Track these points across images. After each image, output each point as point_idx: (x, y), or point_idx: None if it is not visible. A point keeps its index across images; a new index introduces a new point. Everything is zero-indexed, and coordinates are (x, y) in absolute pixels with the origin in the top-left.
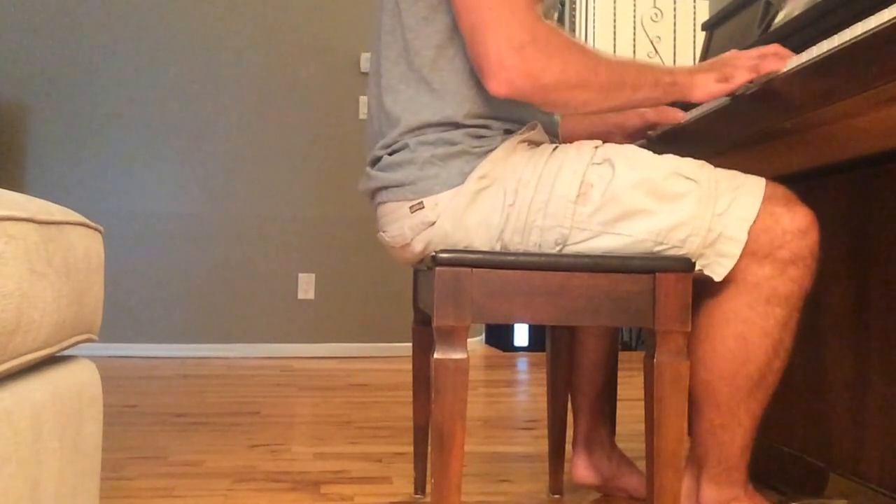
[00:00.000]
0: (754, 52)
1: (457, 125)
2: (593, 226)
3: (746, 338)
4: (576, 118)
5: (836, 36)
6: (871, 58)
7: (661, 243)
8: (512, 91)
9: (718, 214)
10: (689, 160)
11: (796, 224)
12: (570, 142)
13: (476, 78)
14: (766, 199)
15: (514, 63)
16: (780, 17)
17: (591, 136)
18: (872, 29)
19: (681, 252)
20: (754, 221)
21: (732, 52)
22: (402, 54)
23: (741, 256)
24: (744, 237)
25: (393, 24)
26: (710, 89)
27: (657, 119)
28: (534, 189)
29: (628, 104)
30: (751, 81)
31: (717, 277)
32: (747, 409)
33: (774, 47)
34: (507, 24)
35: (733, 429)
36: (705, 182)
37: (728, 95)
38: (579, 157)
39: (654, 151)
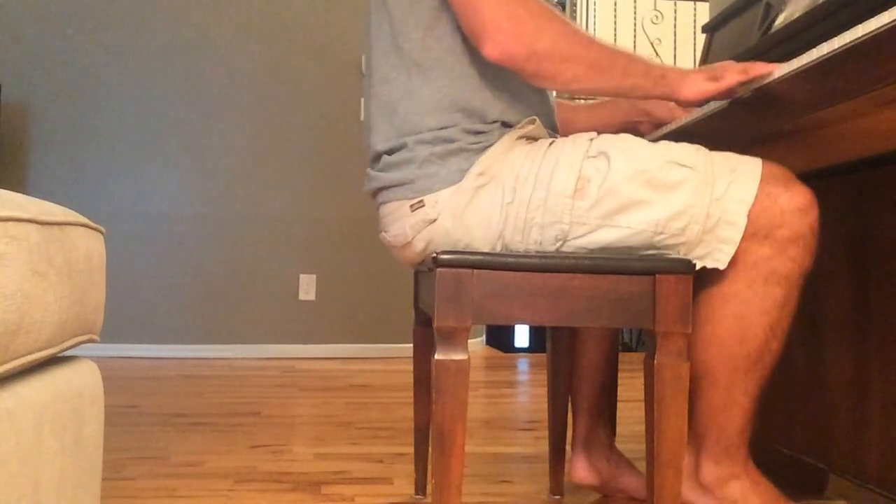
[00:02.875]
0: (743, 63)
1: (455, 106)
2: (592, 220)
3: (744, 317)
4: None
5: (836, 38)
6: (872, 60)
7: (661, 233)
8: (505, 55)
9: (716, 199)
10: (684, 145)
11: (795, 203)
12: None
13: (468, 54)
14: (764, 179)
15: (509, 27)
16: (781, 20)
17: (608, 126)
18: (872, 31)
19: (681, 240)
20: (753, 203)
21: (724, 62)
22: (391, 43)
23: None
24: (743, 221)
25: (380, 19)
26: (699, 87)
27: (669, 117)
28: (532, 186)
29: (617, 89)
30: (741, 84)
31: (721, 265)
32: (745, 389)
33: (761, 65)
34: None
35: (731, 408)
36: (701, 167)
37: (718, 98)
38: (575, 151)
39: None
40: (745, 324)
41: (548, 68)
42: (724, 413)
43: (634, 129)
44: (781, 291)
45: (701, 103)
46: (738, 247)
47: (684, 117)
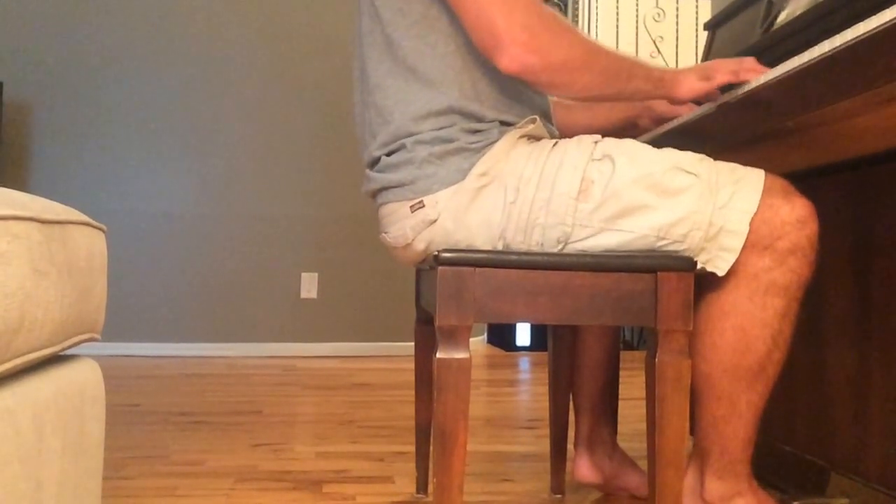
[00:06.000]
0: (733, 61)
1: (451, 111)
2: (595, 223)
3: (745, 329)
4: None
5: (837, 36)
6: (873, 57)
7: (663, 238)
8: (521, 67)
9: (720, 208)
10: (688, 154)
11: (795, 215)
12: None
13: (461, 62)
14: (766, 191)
15: (524, 39)
16: (782, 17)
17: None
18: (874, 29)
19: (682, 247)
20: (755, 213)
21: (714, 60)
22: (385, 51)
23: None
24: (745, 230)
25: (372, 25)
26: (692, 86)
27: (670, 112)
28: (535, 187)
29: (623, 93)
30: (730, 84)
31: (721, 272)
32: (748, 401)
33: (750, 61)
34: (514, 6)
35: (735, 421)
36: (705, 175)
37: (707, 98)
38: (579, 153)
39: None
40: (747, 335)
41: (562, 78)
42: (727, 425)
43: (635, 125)
44: (782, 302)
45: (698, 101)
46: (739, 258)
47: (686, 113)
